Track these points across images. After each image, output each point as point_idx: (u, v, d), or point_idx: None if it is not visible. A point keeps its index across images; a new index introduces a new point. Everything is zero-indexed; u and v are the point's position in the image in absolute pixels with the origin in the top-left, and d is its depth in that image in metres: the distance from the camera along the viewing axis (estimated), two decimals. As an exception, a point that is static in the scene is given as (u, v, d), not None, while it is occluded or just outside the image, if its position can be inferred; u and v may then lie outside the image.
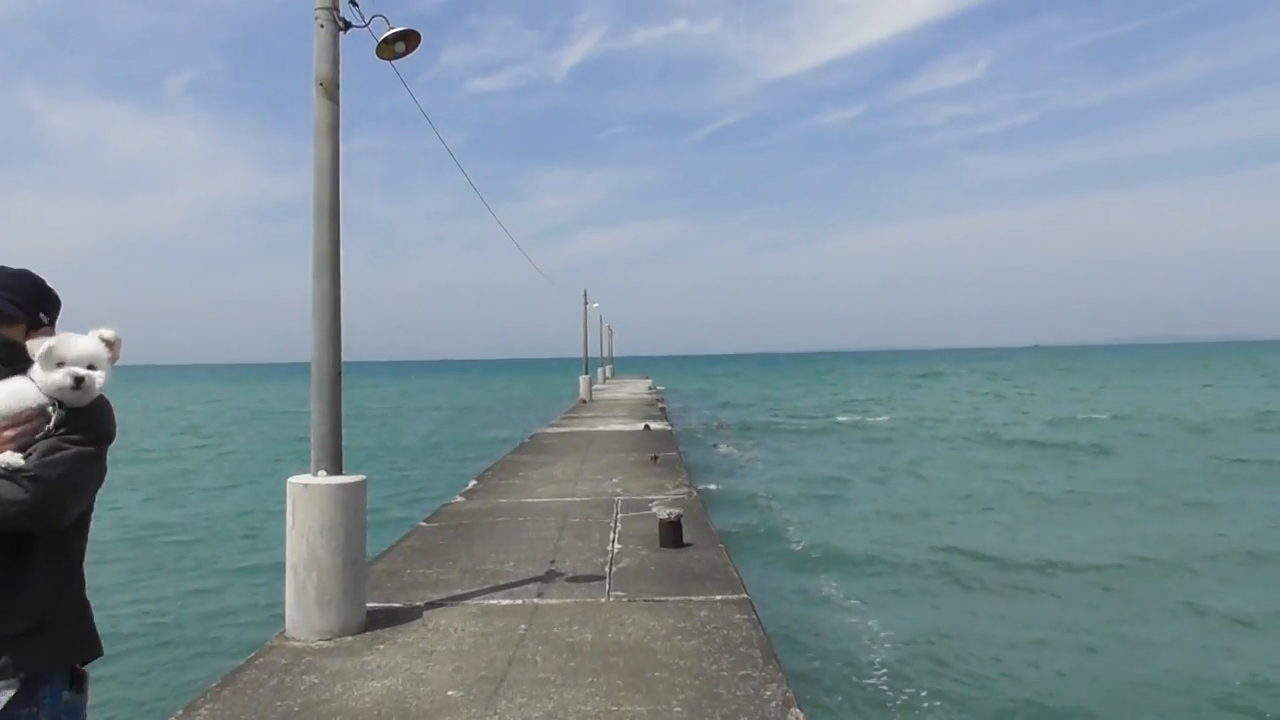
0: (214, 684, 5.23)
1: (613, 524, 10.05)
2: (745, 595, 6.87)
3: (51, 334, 2.35)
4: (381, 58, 6.21)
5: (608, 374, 74.17)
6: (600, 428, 24.47)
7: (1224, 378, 75.51)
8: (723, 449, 30.75)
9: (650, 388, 55.35)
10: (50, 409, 2.23)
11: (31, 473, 2.11)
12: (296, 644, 5.87)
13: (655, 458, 16.04)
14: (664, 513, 8.82)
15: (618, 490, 12.63)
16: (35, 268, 2.45)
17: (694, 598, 6.82)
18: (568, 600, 6.83)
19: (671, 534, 8.67)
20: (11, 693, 2.14)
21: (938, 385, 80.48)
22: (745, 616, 6.29)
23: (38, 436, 2.20)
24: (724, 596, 6.84)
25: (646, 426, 23.45)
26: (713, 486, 20.11)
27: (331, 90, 6.10)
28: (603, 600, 6.82)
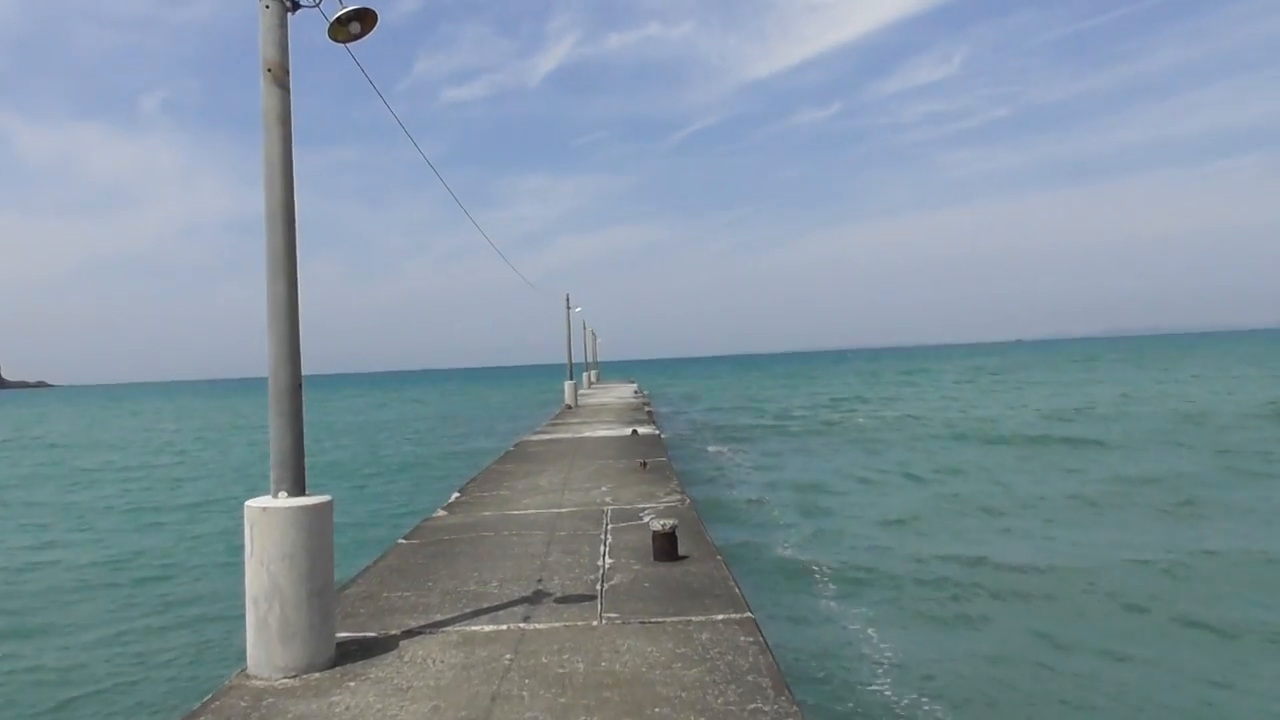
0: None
1: (603, 536, 9.53)
2: (749, 614, 6.37)
3: None
4: (335, 40, 5.68)
5: (593, 379, 73.64)
6: (587, 434, 23.94)
7: (1211, 369, 75.36)
8: (712, 452, 30.26)
9: (636, 391, 54.87)
10: None
11: None
12: (258, 683, 5.32)
13: (644, 463, 15.53)
14: (657, 523, 8.31)
15: (607, 499, 12.11)
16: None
17: (693, 618, 6.31)
18: (557, 624, 6.31)
19: (666, 546, 8.17)
20: None
21: (925, 382, 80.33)
22: (751, 639, 5.79)
23: None
24: (726, 616, 6.34)
25: (634, 431, 22.95)
26: (704, 493, 19.58)
27: (281, 76, 5.56)
28: (594, 623, 6.30)
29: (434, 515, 11.59)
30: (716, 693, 4.86)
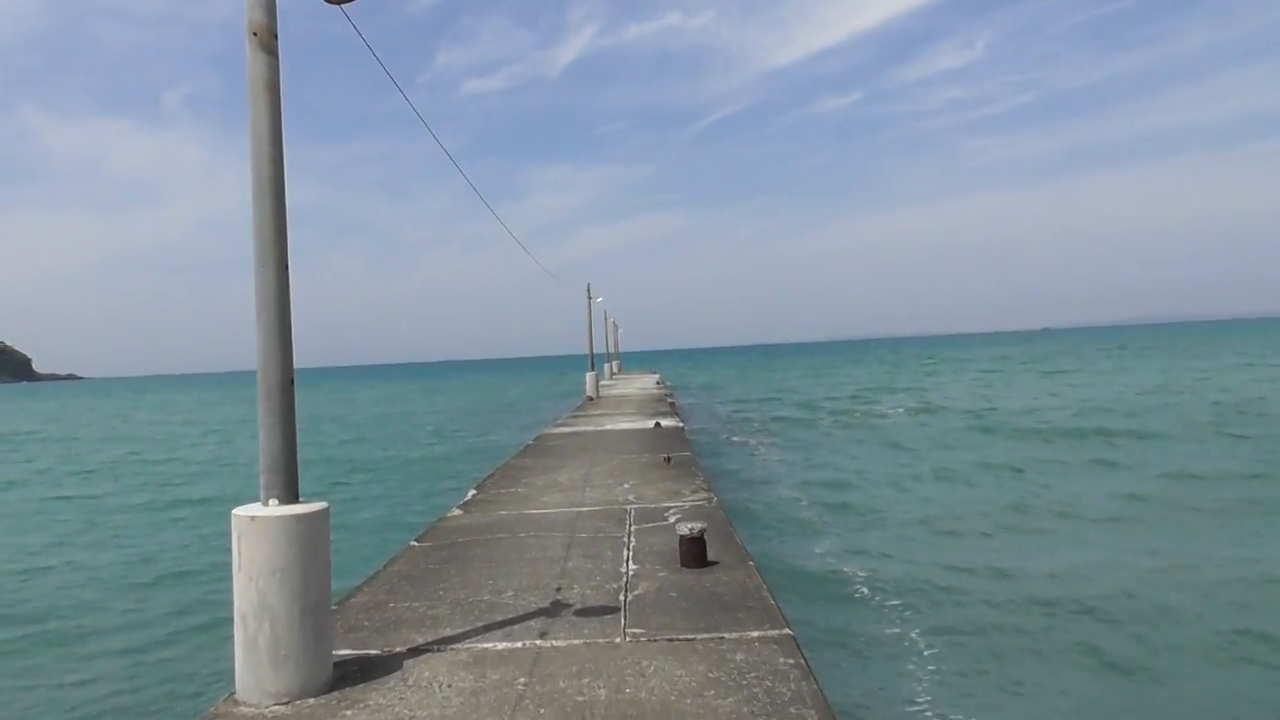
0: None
1: (626, 538, 8.98)
2: (787, 631, 5.80)
3: None
4: (329, 1, 5.13)
5: (614, 370, 73.22)
6: (609, 426, 23.41)
7: (1248, 356, 73.21)
8: (738, 445, 29.64)
9: (658, 382, 54.32)
10: None
11: None
12: (247, 710, 4.82)
13: (668, 459, 14.97)
14: (684, 527, 7.74)
15: (630, 497, 11.56)
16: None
17: (727, 635, 5.74)
18: (576, 641, 5.76)
19: (694, 552, 7.61)
20: None
21: (952, 372, 79.14)
22: (791, 661, 5.22)
23: None
24: (762, 633, 5.76)
25: (657, 424, 22.39)
26: (731, 490, 18.95)
27: (268, 41, 5.02)
28: (617, 640, 5.75)
29: (449, 515, 11.09)
30: (756, 729, 4.29)
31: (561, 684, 5.01)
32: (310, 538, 4.96)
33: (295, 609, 4.86)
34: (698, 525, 7.76)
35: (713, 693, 4.78)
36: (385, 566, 8.31)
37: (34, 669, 10.26)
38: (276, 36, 5.07)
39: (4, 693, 9.52)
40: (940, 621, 10.27)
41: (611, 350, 77.02)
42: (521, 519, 10.44)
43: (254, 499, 5.11)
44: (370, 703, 4.86)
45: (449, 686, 5.06)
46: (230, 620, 5.07)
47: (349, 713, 4.74)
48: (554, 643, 5.75)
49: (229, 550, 5.04)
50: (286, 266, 5.12)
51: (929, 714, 7.91)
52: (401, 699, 4.90)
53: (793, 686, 4.81)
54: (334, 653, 5.42)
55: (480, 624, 6.23)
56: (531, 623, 6.21)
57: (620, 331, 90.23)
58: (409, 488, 24.10)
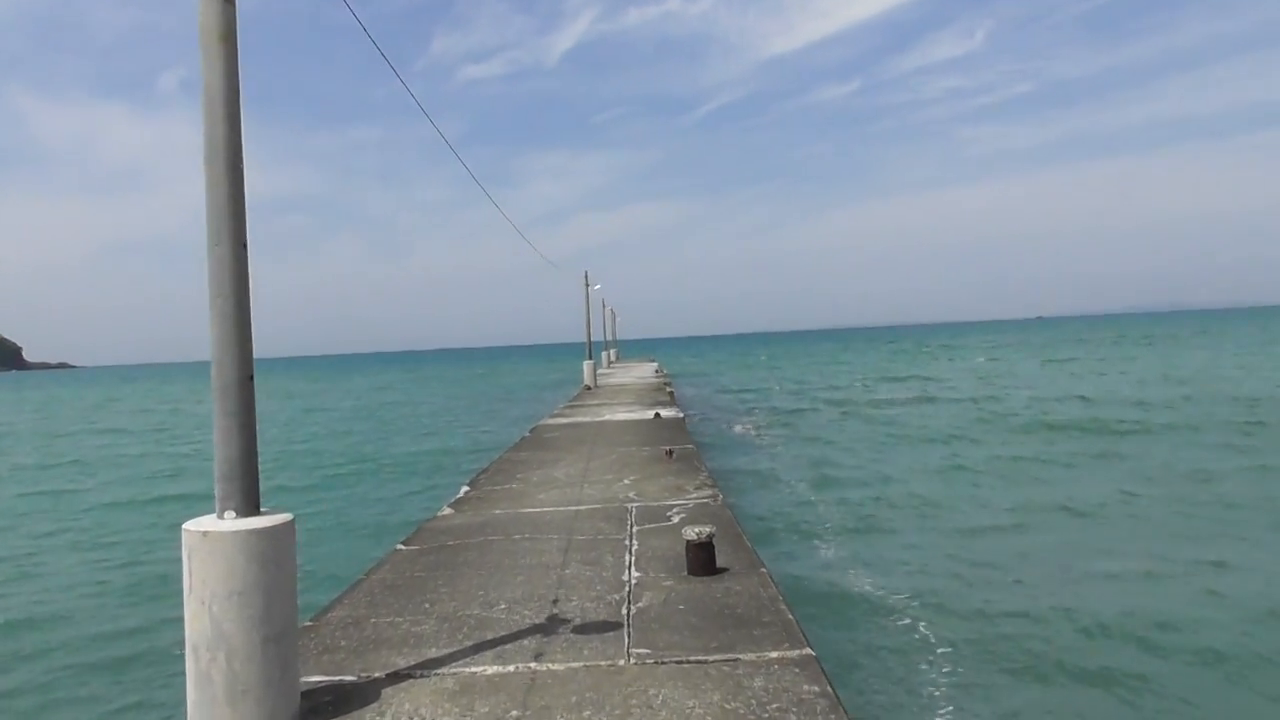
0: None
1: (627, 541, 8.39)
2: (809, 651, 5.21)
3: None
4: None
5: (612, 358, 72.56)
6: (607, 416, 22.82)
7: (1247, 347, 72.52)
8: (739, 436, 29.03)
9: (657, 371, 53.71)
10: None
11: None
12: (202, 752, 4.22)
13: (670, 452, 14.38)
14: (691, 531, 7.14)
15: (630, 494, 10.97)
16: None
17: (742, 656, 5.16)
18: (575, 664, 5.17)
19: (702, 558, 7.02)
20: None
21: (955, 359, 78.60)
22: (816, 689, 4.63)
23: None
24: (780, 653, 5.18)
25: (657, 415, 21.80)
26: (736, 486, 18.27)
27: (222, -17, 4.38)
28: (621, 662, 5.16)
29: (439, 514, 10.49)
30: (785, 782, 3.70)
31: (559, 718, 4.42)
32: (273, 555, 4.35)
33: (256, 637, 4.25)
34: (705, 529, 7.16)
35: (731, 731, 4.19)
36: (368, 574, 7.71)
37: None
38: (231, -19, 4.43)
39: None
40: (964, 635, 9.43)
41: (609, 338, 76.36)
42: (516, 519, 9.85)
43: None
44: (341, 742, 4.27)
45: (432, 721, 4.47)
46: (181, 649, 4.47)
47: (316, 755, 4.15)
48: (550, 666, 5.15)
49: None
50: (244, 244, 4.49)
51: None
52: (377, 737, 4.31)
53: (821, 723, 4.23)
54: (305, 679, 4.84)
55: (469, 643, 5.63)
56: (525, 641, 5.62)
57: (618, 319, 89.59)
58: (401, 483, 23.46)
